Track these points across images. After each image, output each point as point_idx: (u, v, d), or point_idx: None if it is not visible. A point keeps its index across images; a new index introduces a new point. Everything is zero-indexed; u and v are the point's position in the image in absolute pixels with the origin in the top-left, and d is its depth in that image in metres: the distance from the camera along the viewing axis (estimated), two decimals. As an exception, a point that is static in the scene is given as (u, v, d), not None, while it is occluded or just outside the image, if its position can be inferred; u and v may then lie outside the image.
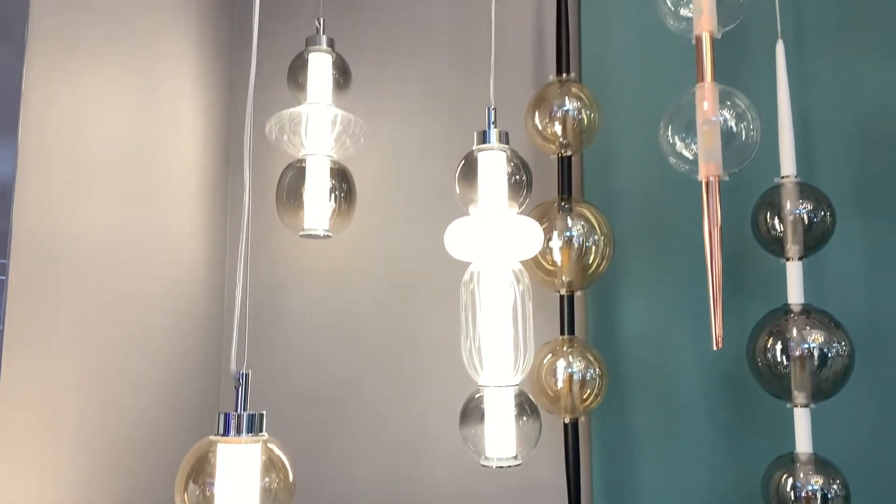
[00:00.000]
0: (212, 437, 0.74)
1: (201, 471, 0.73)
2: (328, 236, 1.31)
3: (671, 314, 1.50)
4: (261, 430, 0.76)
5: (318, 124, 1.30)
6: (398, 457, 1.54)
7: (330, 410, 1.56)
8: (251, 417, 0.75)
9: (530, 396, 1.08)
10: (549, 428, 1.37)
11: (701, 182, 1.09)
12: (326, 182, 1.31)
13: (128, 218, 1.18)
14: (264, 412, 0.76)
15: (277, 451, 0.77)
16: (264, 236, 1.60)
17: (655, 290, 1.51)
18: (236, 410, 0.75)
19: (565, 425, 1.33)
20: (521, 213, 1.11)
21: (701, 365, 1.48)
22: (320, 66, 1.35)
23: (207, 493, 0.73)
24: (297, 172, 1.31)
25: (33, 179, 0.94)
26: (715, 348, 1.08)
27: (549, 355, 1.33)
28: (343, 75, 1.37)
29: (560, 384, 1.30)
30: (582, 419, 1.35)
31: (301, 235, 1.31)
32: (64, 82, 1.02)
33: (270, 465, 0.76)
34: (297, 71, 1.34)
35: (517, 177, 1.09)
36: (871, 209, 1.49)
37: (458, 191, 1.10)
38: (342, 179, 1.33)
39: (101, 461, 1.08)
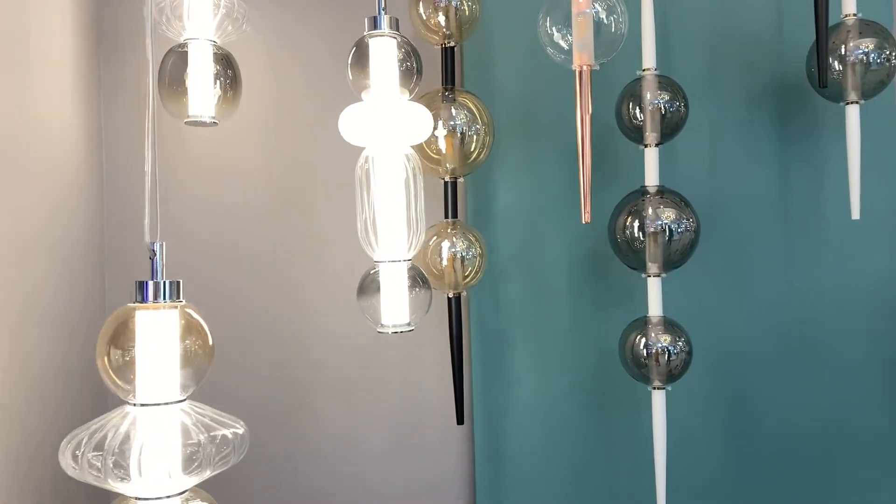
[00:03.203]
0: (130, 305, 0.78)
1: (121, 336, 0.77)
2: (214, 123, 1.31)
3: (543, 197, 1.63)
4: (178, 297, 0.80)
5: (200, 8, 1.27)
6: (288, 334, 1.61)
7: (224, 297, 1.58)
8: (168, 285, 0.79)
9: (421, 270, 1.17)
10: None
11: (574, 71, 1.19)
12: (211, 67, 1.29)
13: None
14: (181, 280, 0.80)
15: (196, 316, 0.81)
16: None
17: (529, 175, 1.64)
18: (153, 279, 0.79)
19: (449, 299, 1.44)
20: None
21: (569, 243, 1.63)
22: (199, -54, 1.30)
23: (128, 358, 0.77)
24: (179, 57, 1.28)
25: None
26: (584, 222, 1.20)
27: (435, 237, 1.42)
28: (223, -43, 1.33)
29: (444, 263, 1.40)
30: (464, 294, 1.47)
31: (186, 122, 1.30)
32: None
33: (189, 329, 0.80)
34: (174, -50, 1.29)
35: (408, 63, 1.13)
36: (719, 101, 1.66)
37: (350, 77, 1.13)
38: (227, 65, 1.32)
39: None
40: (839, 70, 1.44)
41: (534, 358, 1.63)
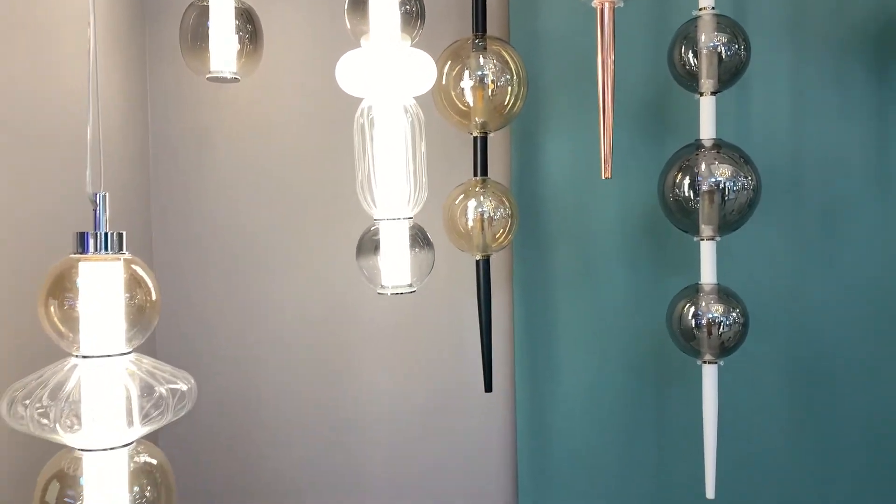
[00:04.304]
0: (72, 256, 0.77)
1: (62, 287, 0.76)
2: (236, 79, 1.29)
3: (593, 157, 1.50)
4: (121, 249, 0.78)
5: (218, -39, 1.25)
6: (320, 298, 1.59)
7: (247, 257, 1.59)
8: (111, 236, 0.77)
9: (423, 229, 1.10)
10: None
11: (595, 8, 1.07)
12: (232, 22, 1.27)
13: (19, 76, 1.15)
14: (124, 232, 0.78)
15: (141, 271, 0.79)
16: (173, 83, 1.58)
17: (579, 133, 1.51)
18: (95, 230, 0.77)
19: (477, 262, 1.37)
20: (414, 46, 1.09)
21: (622, 205, 1.51)
22: None
23: (68, 308, 0.76)
24: (200, 12, 1.27)
25: None
26: (603, 177, 1.09)
27: (462, 196, 1.34)
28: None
29: (471, 223, 1.33)
30: (501, 258, 1.39)
31: (208, 78, 1.29)
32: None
33: (134, 282, 0.78)
34: None
35: (408, 6, 1.05)
36: (802, 47, 1.46)
37: (347, 23, 1.07)
38: (247, 20, 1.29)
39: None
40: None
41: (581, 327, 1.52)
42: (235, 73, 1.29)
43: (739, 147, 1.28)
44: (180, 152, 1.58)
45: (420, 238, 1.09)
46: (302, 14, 1.59)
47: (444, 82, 1.30)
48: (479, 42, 1.32)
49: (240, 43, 1.28)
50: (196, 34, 1.28)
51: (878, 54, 1.43)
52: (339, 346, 1.59)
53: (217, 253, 1.59)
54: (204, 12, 1.27)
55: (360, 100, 1.11)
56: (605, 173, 1.09)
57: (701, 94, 1.28)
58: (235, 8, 1.28)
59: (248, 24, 1.30)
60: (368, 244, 1.09)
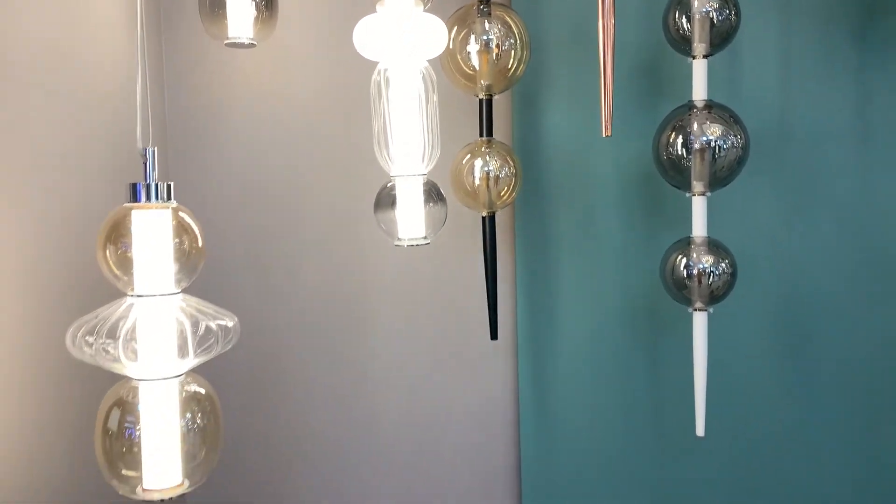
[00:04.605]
0: (125, 205, 0.84)
1: (117, 233, 0.83)
2: (252, 45, 1.36)
3: (592, 118, 1.58)
4: (169, 199, 0.85)
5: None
6: (335, 251, 1.67)
7: (270, 210, 1.67)
8: (160, 186, 0.84)
9: (437, 185, 1.18)
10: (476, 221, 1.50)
11: (595, -26, 1.14)
12: (248, -10, 1.34)
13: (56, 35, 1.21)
14: (172, 183, 0.85)
15: (188, 218, 0.87)
16: (195, 50, 1.64)
17: (577, 95, 1.59)
18: (145, 181, 0.85)
19: (483, 219, 1.45)
20: (428, 11, 1.16)
21: (619, 164, 1.59)
22: None
23: (124, 252, 0.84)
24: (218, -20, 1.33)
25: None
26: (604, 136, 1.17)
27: (468, 155, 1.42)
28: None
29: (478, 182, 1.41)
30: (504, 214, 1.47)
31: (226, 44, 1.35)
32: None
33: (181, 228, 0.86)
34: None
35: (421, -26, 1.12)
36: (788, 11, 1.53)
37: (364, -12, 1.14)
38: (263, -13, 1.36)
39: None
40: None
41: (580, 280, 1.61)
42: (252, 39, 1.36)
43: (730, 107, 1.36)
44: (196, 117, 1.65)
45: (434, 193, 1.17)
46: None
47: (450, 46, 1.37)
48: (483, 8, 1.39)
49: (256, 10, 1.35)
50: (214, 2, 1.34)
51: (860, 20, 1.51)
52: (354, 299, 1.68)
53: (233, 212, 1.66)
54: (222, -20, 1.34)
55: (372, 64, 1.18)
56: (605, 131, 1.17)
57: (693, 58, 1.36)
58: (252, -25, 1.34)
59: (264, -9, 1.36)
60: (386, 199, 1.17)
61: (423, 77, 1.14)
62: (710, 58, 1.35)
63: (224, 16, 1.34)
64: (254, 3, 1.35)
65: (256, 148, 1.66)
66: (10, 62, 1.08)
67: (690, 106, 1.37)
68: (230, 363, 1.64)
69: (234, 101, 1.66)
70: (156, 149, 0.85)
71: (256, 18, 1.35)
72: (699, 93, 1.37)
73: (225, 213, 1.66)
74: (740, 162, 1.36)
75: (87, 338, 0.82)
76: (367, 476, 1.71)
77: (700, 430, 1.40)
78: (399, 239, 1.18)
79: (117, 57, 1.42)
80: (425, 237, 1.18)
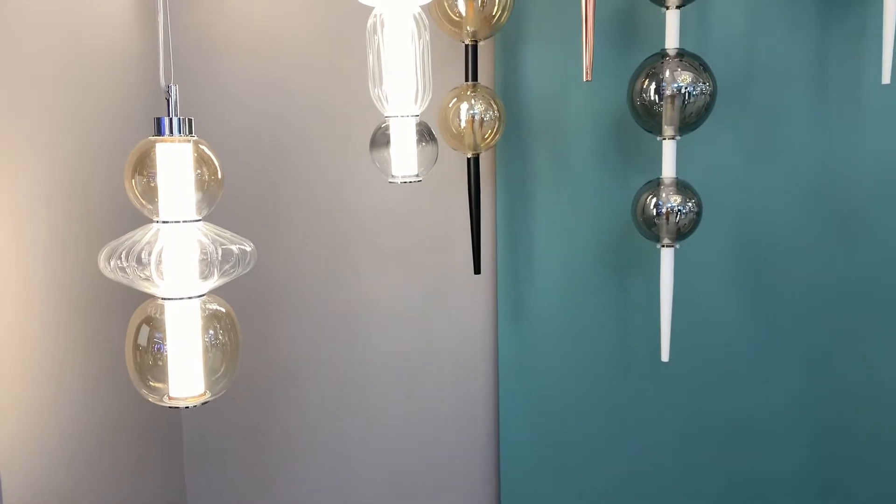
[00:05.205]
0: (150, 138, 0.91)
1: (143, 164, 0.90)
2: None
3: (570, 65, 1.67)
4: (190, 133, 0.92)
5: None
6: (328, 188, 1.75)
7: (265, 154, 1.73)
8: (181, 121, 0.91)
9: (429, 126, 1.26)
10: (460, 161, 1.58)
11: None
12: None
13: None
14: (192, 118, 0.92)
15: (207, 151, 0.94)
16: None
17: (556, 43, 1.67)
18: (168, 115, 0.91)
19: (468, 160, 1.54)
20: (420, -40, 1.22)
21: (592, 109, 1.68)
22: None
23: (149, 182, 0.91)
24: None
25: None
26: (585, 80, 1.25)
27: (455, 99, 1.50)
28: None
29: (463, 124, 1.49)
30: (485, 156, 1.55)
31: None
32: None
33: (201, 160, 0.93)
34: None
35: (415, -77, 1.18)
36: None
37: (360, -63, 1.20)
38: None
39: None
40: (881, -76, 1.39)
41: (557, 218, 1.71)
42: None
43: (700, 56, 1.46)
44: (192, 56, 1.70)
45: (426, 133, 1.26)
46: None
47: (438, -7, 1.44)
48: (470, -43, 1.45)
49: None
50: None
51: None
52: (344, 238, 1.76)
53: (232, 146, 1.72)
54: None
55: (366, 9, 1.25)
56: (586, 76, 1.26)
57: (667, 8, 1.44)
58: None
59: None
60: (381, 139, 1.25)
61: (416, 21, 1.20)
62: (682, 8, 1.44)
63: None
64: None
65: (253, 84, 1.72)
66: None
67: (663, 54, 1.46)
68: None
69: (233, 41, 1.70)
70: (177, 86, 0.92)
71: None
72: (671, 41, 1.45)
73: (223, 146, 1.72)
74: (708, 108, 1.46)
75: (119, 261, 0.90)
76: (356, 402, 1.82)
77: (665, 356, 1.53)
78: (393, 176, 1.26)
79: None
80: (417, 175, 1.26)
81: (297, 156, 1.74)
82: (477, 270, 1.60)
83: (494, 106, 1.50)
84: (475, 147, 1.51)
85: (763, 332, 1.70)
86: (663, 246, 1.50)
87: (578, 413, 1.77)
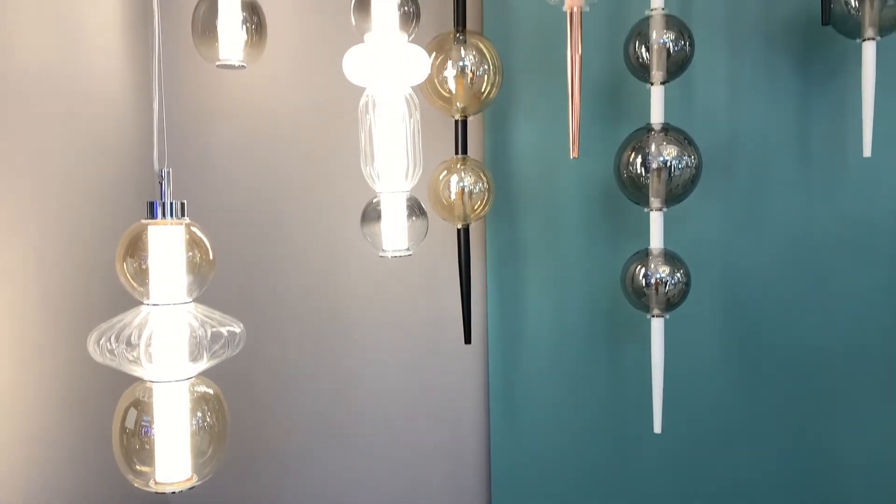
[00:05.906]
0: (142, 221, 0.92)
1: (135, 248, 0.91)
2: (243, 66, 1.43)
3: (557, 136, 1.70)
4: (182, 216, 0.93)
5: (226, -41, 1.38)
6: (319, 261, 1.76)
7: (257, 230, 1.75)
8: (174, 204, 0.92)
9: (419, 200, 1.28)
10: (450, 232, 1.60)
11: (566, 13, 1.25)
12: (238, 14, 1.41)
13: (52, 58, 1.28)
14: (185, 201, 0.93)
15: (199, 233, 0.95)
16: (186, 69, 1.71)
17: (545, 117, 1.71)
18: (161, 200, 0.92)
19: (458, 231, 1.55)
20: (412, 42, 1.25)
21: (582, 181, 1.71)
22: None
23: (140, 265, 0.91)
24: (209, 5, 1.41)
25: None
26: (572, 157, 1.28)
27: (445, 172, 1.52)
28: None
29: (453, 196, 1.51)
30: (475, 226, 1.57)
31: (217, 66, 1.43)
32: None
33: (193, 243, 0.94)
34: None
35: (406, 8, 1.22)
36: (737, 41, 1.67)
37: (353, 20, 1.23)
38: (253, 12, 1.43)
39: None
40: (856, 6, 1.44)
41: (547, 288, 1.72)
42: (242, 61, 1.44)
43: (684, 130, 1.49)
44: (185, 136, 1.72)
45: (416, 208, 1.27)
46: (300, 6, 1.73)
47: (429, 72, 1.47)
48: (459, 36, 1.49)
49: (246, 34, 1.42)
50: (206, 25, 1.41)
51: (801, 49, 1.65)
52: (334, 310, 1.77)
53: (223, 222, 1.73)
54: (213, 6, 1.41)
55: (358, 89, 1.27)
56: (572, 153, 1.28)
57: (652, 84, 1.48)
58: (241, 1, 1.42)
59: (254, 15, 1.44)
60: (372, 213, 1.26)
61: (407, 101, 1.23)
62: (666, 84, 1.48)
63: (215, 38, 1.42)
64: (244, 27, 1.43)
65: (245, 162, 1.74)
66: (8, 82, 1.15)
67: (649, 128, 1.49)
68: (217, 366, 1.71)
69: (225, 119, 1.73)
70: (171, 170, 0.93)
71: (247, 42, 1.43)
72: (657, 116, 1.49)
73: (215, 223, 1.73)
74: (694, 180, 1.49)
75: (108, 343, 0.89)
76: (344, 471, 1.79)
77: (657, 428, 1.52)
78: (383, 250, 1.27)
79: (110, 67, 1.49)
80: (408, 249, 1.27)
81: (291, 226, 1.75)
82: (467, 340, 1.60)
83: (484, 178, 1.52)
84: (465, 218, 1.53)
85: (750, 397, 1.69)
86: (653, 316, 1.50)
87: (570, 483, 1.74)
